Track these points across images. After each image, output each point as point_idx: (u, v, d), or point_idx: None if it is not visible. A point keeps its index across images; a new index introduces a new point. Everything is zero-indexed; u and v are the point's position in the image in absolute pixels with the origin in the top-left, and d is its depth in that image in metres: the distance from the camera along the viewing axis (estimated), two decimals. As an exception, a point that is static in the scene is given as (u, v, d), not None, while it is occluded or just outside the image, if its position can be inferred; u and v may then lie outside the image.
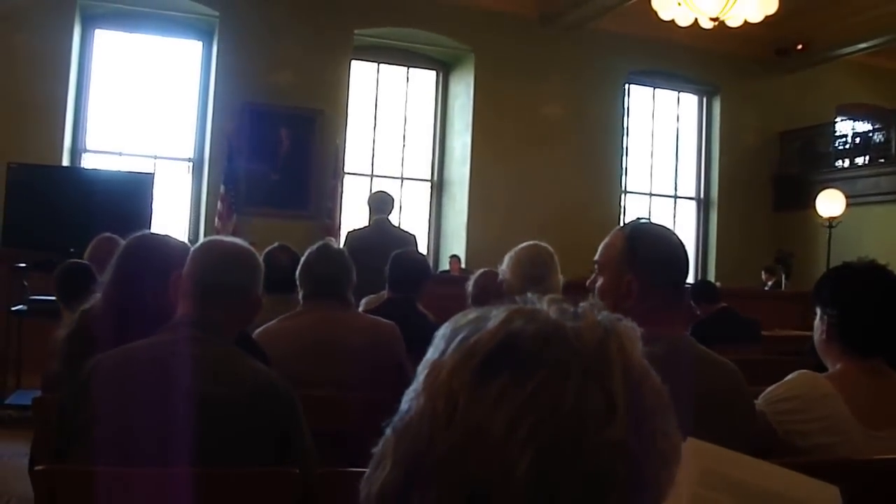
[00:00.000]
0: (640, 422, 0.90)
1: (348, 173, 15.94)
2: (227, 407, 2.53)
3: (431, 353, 0.98)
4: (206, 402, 2.47)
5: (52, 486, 2.30)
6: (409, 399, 0.96)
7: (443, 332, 0.99)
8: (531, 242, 4.60)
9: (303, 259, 4.38)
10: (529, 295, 1.01)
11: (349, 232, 8.68)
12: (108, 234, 5.76)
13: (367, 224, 8.65)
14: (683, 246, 2.90)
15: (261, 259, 3.00)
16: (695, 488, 1.62)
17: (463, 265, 14.87)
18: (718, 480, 1.64)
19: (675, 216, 18.32)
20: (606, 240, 2.89)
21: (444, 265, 15.76)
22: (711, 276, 17.11)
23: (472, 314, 1.00)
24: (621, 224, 3.04)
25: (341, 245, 7.59)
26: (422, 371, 0.97)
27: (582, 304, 1.00)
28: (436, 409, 0.92)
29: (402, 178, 16.77)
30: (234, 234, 11.60)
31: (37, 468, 2.35)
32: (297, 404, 2.76)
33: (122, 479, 2.33)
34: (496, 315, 0.97)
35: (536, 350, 0.92)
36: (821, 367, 3.02)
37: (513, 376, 0.90)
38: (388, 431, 0.96)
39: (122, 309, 3.14)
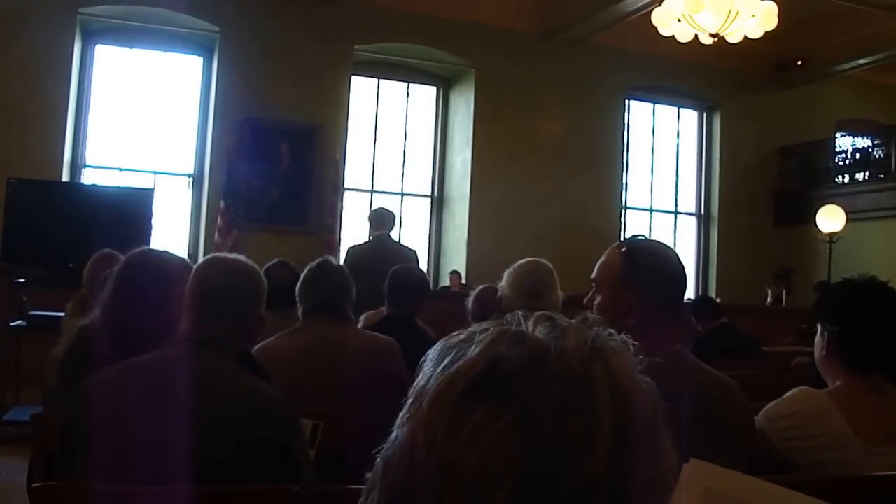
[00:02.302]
0: (625, 449, 0.87)
1: (348, 189, 15.94)
2: (226, 423, 2.52)
3: (419, 379, 0.96)
4: (205, 419, 2.46)
5: (50, 503, 2.29)
6: (398, 426, 0.94)
7: (431, 355, 0.98)
8: (530, 259, 4.60)
9: (302, 276, 4.38)
10: (519, 313, 0.99)
11: (350, 247, 8.67)
12: (107, 250, 5.77)
13: (367, 239, 8.65)
14: (681, 261, 2.90)
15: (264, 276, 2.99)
16: (699, 511, 1.61)
17: (463, 281, 14.85)
18: (723, 502, 1.63)
19: (675, 232, 18.34)
20: (603, 258, 2.89)
21: (445, 281, 15.73)
22: (712, 292, 17.12)
23: (460, 336, 0.98)
24: (621, 239, 3.04)
25: (342, 260, 7.60)
26: (409, 397, 0.95)
27: (572, 320, 0.97)
28: (416, 442, 0.90)
29: (402, 194, 16.77)
30: (233, 249, 11.60)
31: (35, 485, 2.34)
32: (297, 421, 2.76)
33: (121, 496, 2.32)
34: (481, 339, 0.94)
35: (516, 378, 0.89)
36: (822, 384, 3.02)
37: (491, 408, 0.88)
38: (379, 459, 0.95)
39: (122, 325, 3.14)
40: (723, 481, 1.66)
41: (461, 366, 0.92)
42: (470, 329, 0.98)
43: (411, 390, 0.96)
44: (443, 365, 0.94)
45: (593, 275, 2.89)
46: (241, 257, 2.96)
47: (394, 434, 0.94)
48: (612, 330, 0.98)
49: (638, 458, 0.89)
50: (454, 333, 0.99)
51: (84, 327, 3.44)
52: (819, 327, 3.02)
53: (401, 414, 0.96)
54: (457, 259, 16.14)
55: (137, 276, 3.26)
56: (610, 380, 0.90)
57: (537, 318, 0.97)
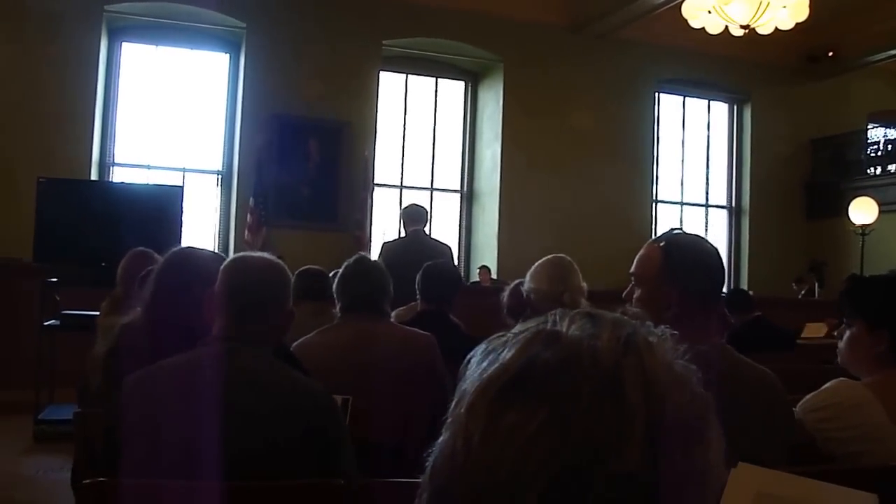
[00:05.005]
0: (658, 444, 0.87)
1: (378, 185, 15.93)
2: (269, 417, 2.54)
3: (461, 382, 0.97)
4: (247, 415, 2.48)
5: (100, 499, 2.30)
6: (445, 428, 0.95)
7: (473, 357, 0.98)
8: (550, 255, 4.90)
9: (339, 273, 4.40)
10: (557, 312, 0.98)
11: (384, 243, 8.70)
12: (141, 249, 5.79)
13: (402, 235, 8.69)
14: (719, 255, 2.91)
15: (289, 271, 3.01)
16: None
17: (494, 276, 14.84)
18: (773, 503, 1.62)
19: (706, 225, 18.24)
20: (642, 252, 2.89)
21: (475, 276, 15.71)
22: (744, 285, 17.02)
23: (501, 337, 0.98)
24: (653, 233, 3.03)
25: (375, 256, 7.63)
26: (453, 401, 0.96)
27: (608, 316, 0.97)
28: (455, 446, 0.91)
29: (432, 189, 16.74)
30: (263, 246, 11.62)
31: (85, 482, 2.35)
32: (339, 414, 2.77)
33: (171, 492, 2.33)
34: (516, 341, 0.95)
35: (548, 379, 0.89)
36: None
37: (524, 409, 0.88)
38: (428, 462, 0.96)
39: (164, 324, 3.15)
40: (772, 483, 1.65)
41: (496, 369, 0.92)
42: (514, 329, 0.98)
43: (456, 393, 0.97)
44: (481, 368, 0.95)
45: (632, 269, 2.90)
46: (266, 254, 2.97)
47: (441, 437, 0.95)
48: (650, 322, 0.98)
49: (673, 453, 0.88)
50: (498, 334, 0.99)
51: (125, 325, 3.45)
52: (860, 322, 3.00)
53: (445, 417, 0.96)
54: (487, 254, 16.13)
55: (178, 275, 3.27)
56: (643, 374, 0.90)
57: (573, 317, 0.97)
